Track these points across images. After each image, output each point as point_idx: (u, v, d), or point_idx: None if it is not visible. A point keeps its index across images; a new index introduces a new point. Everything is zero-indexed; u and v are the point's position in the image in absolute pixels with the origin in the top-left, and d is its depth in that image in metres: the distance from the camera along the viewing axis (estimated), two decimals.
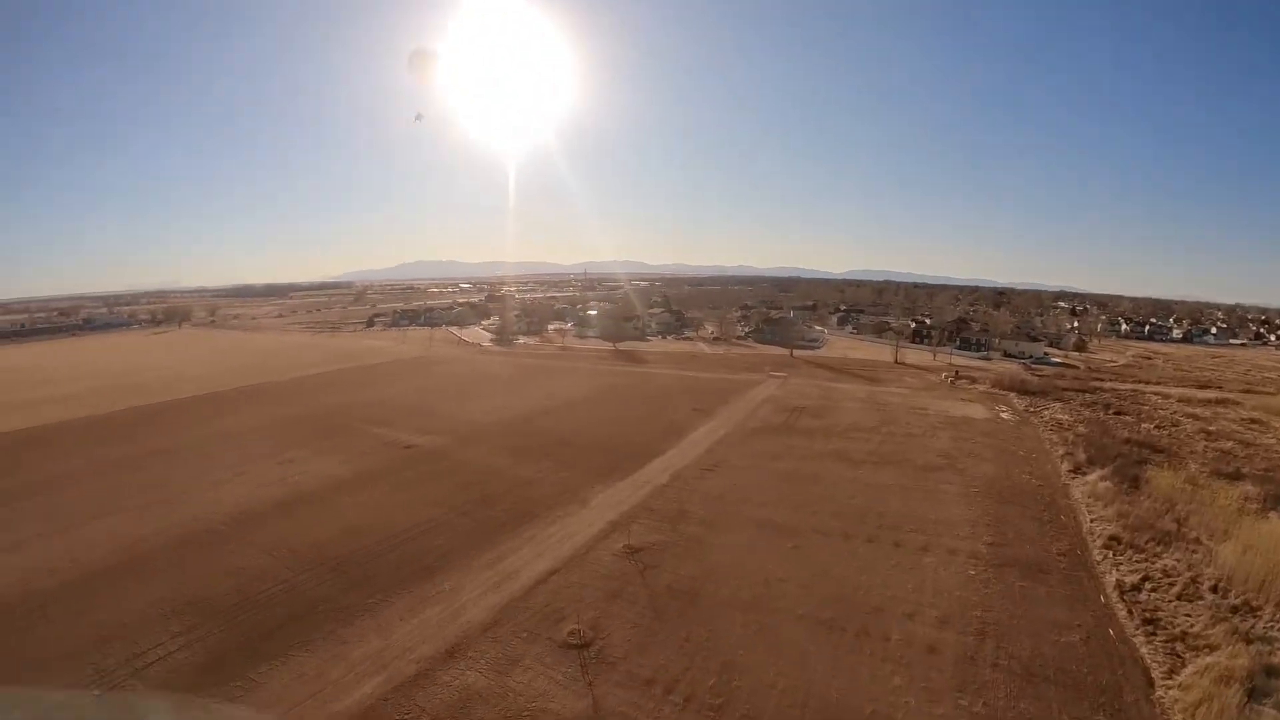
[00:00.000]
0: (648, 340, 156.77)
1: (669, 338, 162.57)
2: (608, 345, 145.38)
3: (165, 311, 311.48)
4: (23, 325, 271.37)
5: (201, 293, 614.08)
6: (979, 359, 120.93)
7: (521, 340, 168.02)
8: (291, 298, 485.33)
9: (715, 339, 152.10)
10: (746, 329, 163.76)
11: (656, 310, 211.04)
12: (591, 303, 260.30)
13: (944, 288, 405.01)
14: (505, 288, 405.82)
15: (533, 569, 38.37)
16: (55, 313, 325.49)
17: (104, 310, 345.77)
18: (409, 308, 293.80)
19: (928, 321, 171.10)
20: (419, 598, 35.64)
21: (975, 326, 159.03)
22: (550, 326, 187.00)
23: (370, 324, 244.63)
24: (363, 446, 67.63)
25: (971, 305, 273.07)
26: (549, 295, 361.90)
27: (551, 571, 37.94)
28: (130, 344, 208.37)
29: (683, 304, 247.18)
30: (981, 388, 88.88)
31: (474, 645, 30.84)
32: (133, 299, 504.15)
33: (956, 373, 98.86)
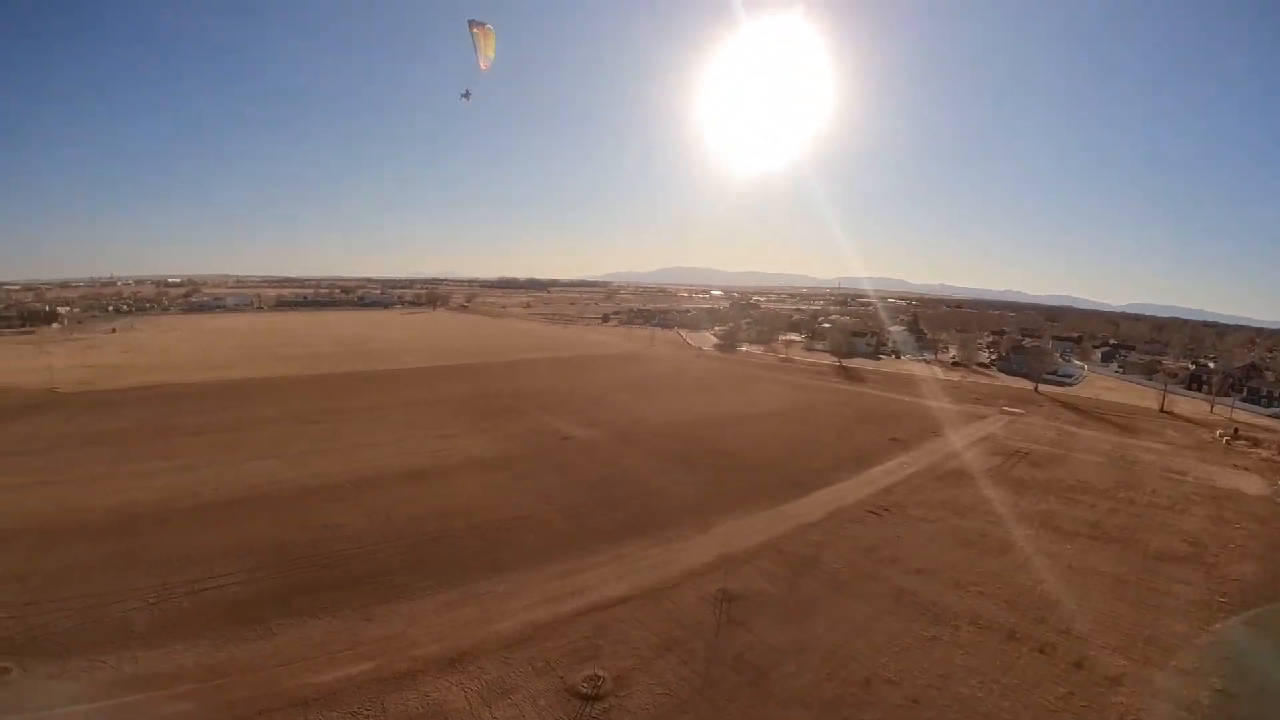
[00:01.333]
0: (879, 359, 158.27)
1: (904, 358, 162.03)
2: (833, 360, 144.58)
3: (426, 295, 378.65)
4: (306, 297, 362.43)
5: (473, 282, 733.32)
6: (1269, 416, 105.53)
7: (745, 348, 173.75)
8: (549, 291, 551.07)
9: (954, 364, 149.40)
10: (992, 356, 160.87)
11: (897, 329, 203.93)
12: (831, 316, 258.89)
13: (1238, 328, 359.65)
14: (754, 297, 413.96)
15: (600, 592, 34.04)
16: (338, 289, 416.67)
17: (378, 291, 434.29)
18: (644, 307, 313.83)
19: (1210, 365, 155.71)
20: (466, 594, 33.99)
21: (1270, 376, 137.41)
22: (781, 337, 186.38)
23: (605, 319, 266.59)
24: (522, 430, 71.23)
25: (1270, 351, 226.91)
26: (795, 307, 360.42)
27: (620, 600, 33.13)
28: (384, 320, 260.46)
29: (931, 324, 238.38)
30: (1266, 453, 75.32)
31: (480, 660, 27.79)
32: (409, 283, 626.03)
33: (1236, 431, 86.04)
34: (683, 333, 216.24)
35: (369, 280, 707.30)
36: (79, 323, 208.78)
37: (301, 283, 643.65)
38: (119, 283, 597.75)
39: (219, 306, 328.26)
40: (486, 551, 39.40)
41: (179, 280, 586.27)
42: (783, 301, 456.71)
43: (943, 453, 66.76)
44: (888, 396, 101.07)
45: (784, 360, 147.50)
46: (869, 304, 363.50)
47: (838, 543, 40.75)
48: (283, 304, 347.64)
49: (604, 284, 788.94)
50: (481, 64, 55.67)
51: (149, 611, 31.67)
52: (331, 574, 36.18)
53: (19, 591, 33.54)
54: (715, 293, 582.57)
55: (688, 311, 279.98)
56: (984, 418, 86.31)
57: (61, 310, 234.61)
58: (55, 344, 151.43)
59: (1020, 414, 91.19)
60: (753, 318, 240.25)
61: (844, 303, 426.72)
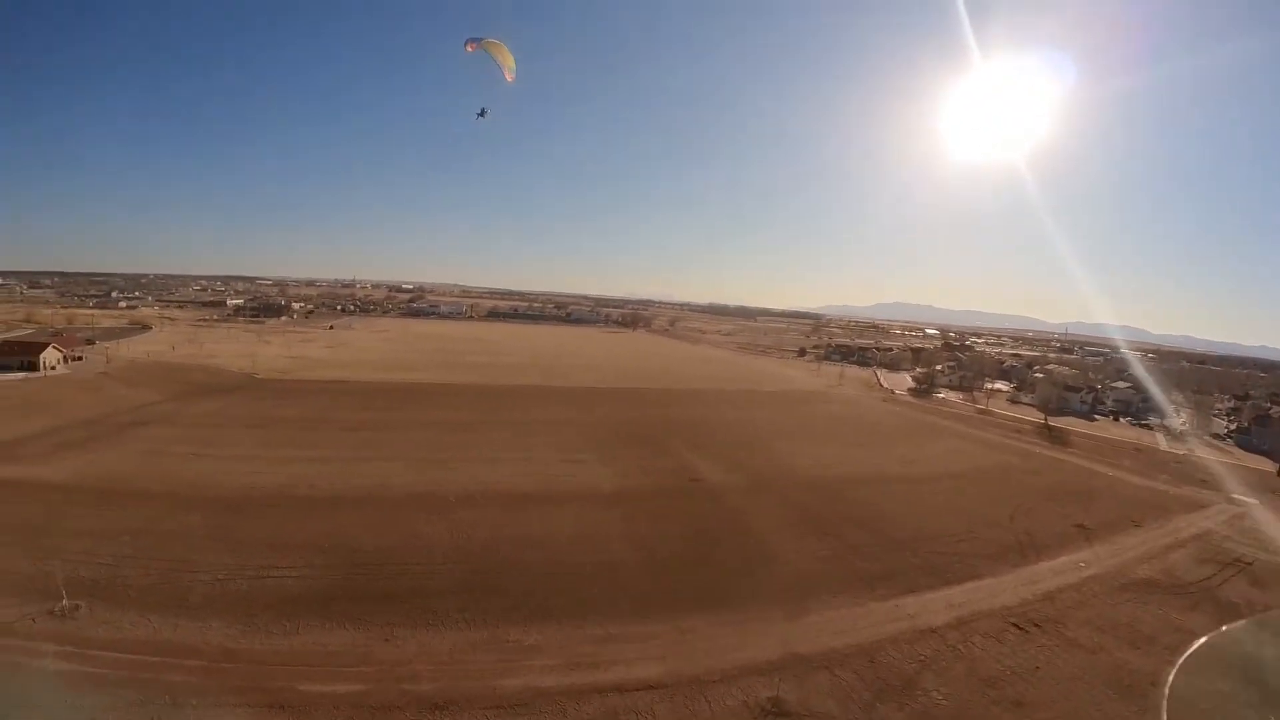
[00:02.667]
0: (1093, 419, 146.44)
1: (1122, 420, 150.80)
2: (1039, 417, 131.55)
3: (630, 316, 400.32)
4: (517, 310, 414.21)
5: (683, 306, 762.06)
6: None
7: (942, 394, 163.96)
8: (754, 320, 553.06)
9: (1180, 433, 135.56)
10: (1230, 426, 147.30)
11: (1121, 384, 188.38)
12: (1048, 365, 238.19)
13: None
14: (969, 338, 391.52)
15: (630, 670, 32.79)
16: (552, 304, 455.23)
17: (588, 308, 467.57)
18: (847, 343, 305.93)
19: None
20: (492, 637, 35.07)
21: None
22: (985, 385, 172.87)
23: (801, 353, 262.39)
24: (655, 465, 72.60)
25: None
26: (1012, 352, 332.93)
27: (646, 685, 31.54)
28: (582, 337, 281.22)
29: (1166, 382, 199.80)
30: None
31: (461, 715, 28.33)
32: (621, 303, 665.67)
33: None
34: (879, 372, 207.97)
35: (584, 297, 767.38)
36: (305, 317, 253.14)
37: (521, 296, 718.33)
38: (357, 285, 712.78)
39: (433, 313, 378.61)
40: (542, 594, 40.00)
41: (410, 286, 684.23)
42: (1000, 345, 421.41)
43: (1137, 552, 57.58)
44: (1090, 468, 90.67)
45: (982, 412, 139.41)
46: (1097, 354, 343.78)
47: (952, 663, 34.69)
48: (494, 315, 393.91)
49: (815, 316, 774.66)
50: (508, 76, 58.55)
51: (210, 587, 37.56)
52: (381, 584, 39.51)
53: (127, 544, 42.13)
54: (930, 331, 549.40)
55: (890, 350, 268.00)
56: (1204, 507, 74.86)
57: (296, 306, 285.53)
58: (275, 334, 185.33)
59: (1252, 505, 79.98)
60: (959, 360, 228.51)
61: (1069, 350, 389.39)
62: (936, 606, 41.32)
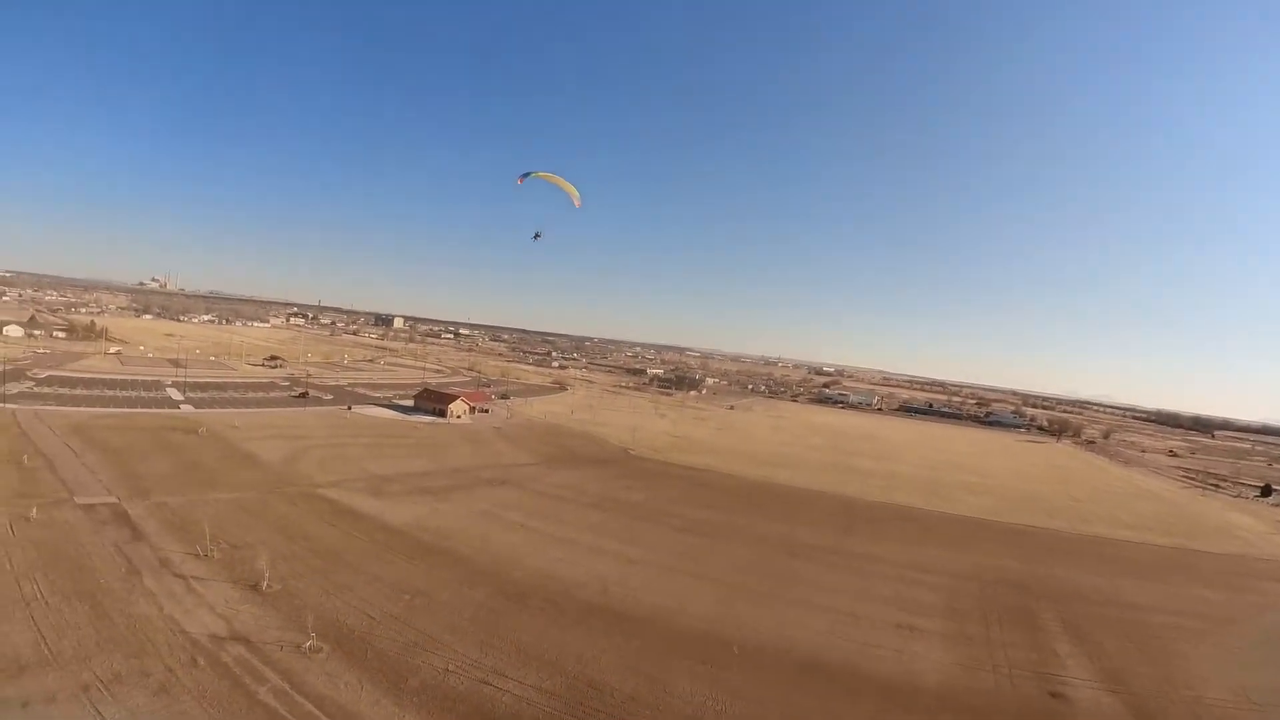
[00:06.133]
0: None
1: None
2: None
3: (1056, 422, 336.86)
4: (931, 405, 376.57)
5: (1127, 412, 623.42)
6: None
7: None
8: (1213, 436, 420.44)
9: None
10: None
11: None
12: None
13: None
14: None
15: None
16: (973, 400, 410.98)
17: (1011, 409, 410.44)
18: None
19: None
20: None
21: None
22: None
23: (1265, 493, 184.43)
24: (1008, 656, 54.93)
25: None
26: None
27: None
28: (991, 446, 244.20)
29: None
30: None
31: None
32: (1053, 403, 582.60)
33: None
34: None
35: (1011, 393, 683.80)
36: (714, 394, 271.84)
37: (944, 387, 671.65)
38: (779, 363, 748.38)
39: (840, 401, 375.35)
40: None
41: (831, 370, 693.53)
42: None
43: None
44: None
45: None
46: None
47: None
48: (904, 409, 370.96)
49: None
50: (576, 202, 69.28)
51: (433, 676, 39.32)
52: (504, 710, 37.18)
53: (402, 604, 47.78)
54: None
55: None
56: None
57: (709, 381, 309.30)
58: (674, 409, 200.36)
59: None
60: None
61: None
62: None
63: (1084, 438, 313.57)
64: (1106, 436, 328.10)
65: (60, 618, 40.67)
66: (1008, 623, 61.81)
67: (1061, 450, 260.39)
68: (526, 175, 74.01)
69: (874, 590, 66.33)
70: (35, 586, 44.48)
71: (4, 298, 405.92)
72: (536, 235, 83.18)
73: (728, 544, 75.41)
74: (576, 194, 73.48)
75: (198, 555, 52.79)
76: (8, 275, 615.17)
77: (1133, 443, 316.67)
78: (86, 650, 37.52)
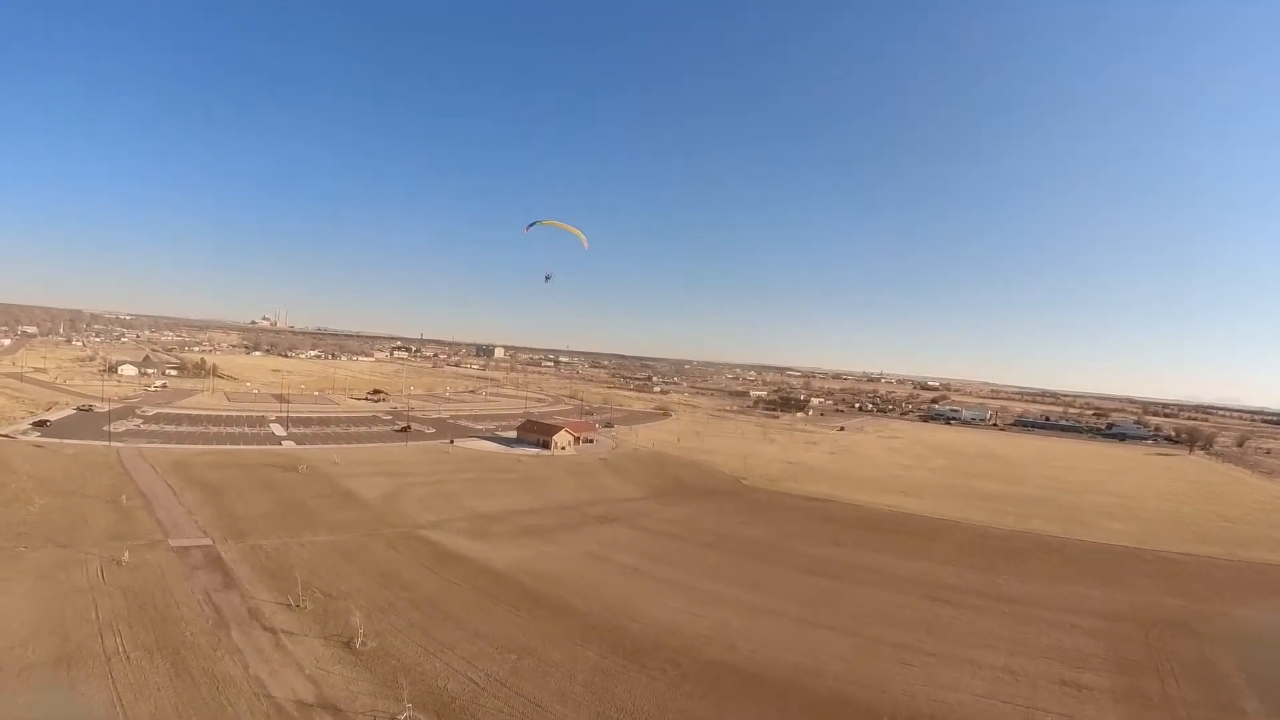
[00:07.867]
0: None
1: None
2: None
3: (1186, 432, 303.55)
4: (1047, 418, 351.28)
5: (1255, 415, 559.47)
6: None
7: None
8: None
9: None
10: None
11: None
12: None
13: None
14: None
15: None
16: (1091, 410, 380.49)
17: (1133, 418, 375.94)
18: None
19: None
20: None
21: None
22: None
23: None
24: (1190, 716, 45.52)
25: None
26: None
27: None
28: (1117, 460, 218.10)
29: None
30: None
31: None
32: (1174, 410, 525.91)
33: None
34: None
35: (1128, 401, 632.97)
36: (821, 415, 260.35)
37: (1055, 397, 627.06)
38: (882, 379, 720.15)
39: (954, 418, 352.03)
40: None
41: (936, 384, 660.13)
42: None
43: None
44: None
45: None
46: None
47: None
48: (1019, 423, 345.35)
49: None
50: (585, 245, 73.18)
51: None
52: None
53: (508, 665, 42.67)
54: None
55: None
56: None
57: (815, 401, 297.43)
58: (783, 432, 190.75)
59: None
60: None
61: None
62: None
63: (1216, 447, 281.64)
64: (1241, 445, 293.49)
65: (141, 676, 37.40)
66: (1184, 676, 50.85)
67: (1196, 463, 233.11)
68: (533, 224, 79.98)
69: (1030, 640, 56.15)
70: (118, 640, 41.51)
71: (123, 339, 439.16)
72: (547, 278, 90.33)
73: (860, 587, 66.31)
74: (584, 237, 78.64)
75: (289, 606, 49.02)
76: (128, 318, 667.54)
77: (1272, 450, 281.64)
78: (163, 716, 33.95)
